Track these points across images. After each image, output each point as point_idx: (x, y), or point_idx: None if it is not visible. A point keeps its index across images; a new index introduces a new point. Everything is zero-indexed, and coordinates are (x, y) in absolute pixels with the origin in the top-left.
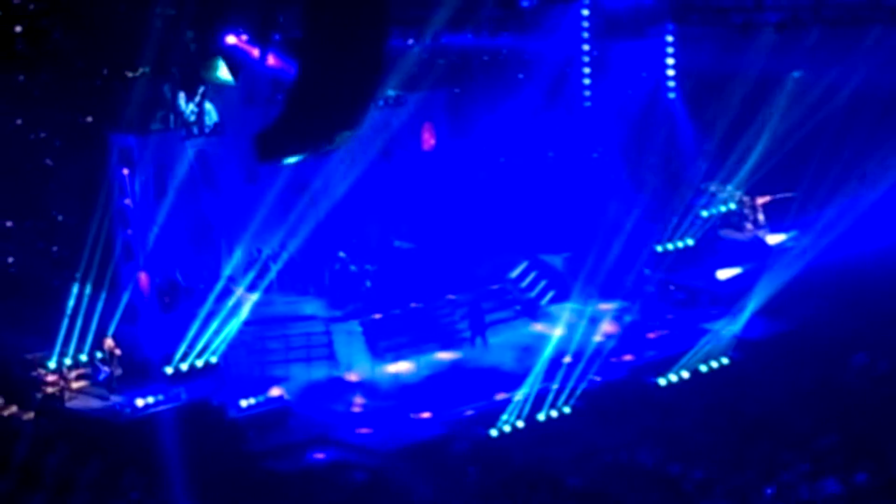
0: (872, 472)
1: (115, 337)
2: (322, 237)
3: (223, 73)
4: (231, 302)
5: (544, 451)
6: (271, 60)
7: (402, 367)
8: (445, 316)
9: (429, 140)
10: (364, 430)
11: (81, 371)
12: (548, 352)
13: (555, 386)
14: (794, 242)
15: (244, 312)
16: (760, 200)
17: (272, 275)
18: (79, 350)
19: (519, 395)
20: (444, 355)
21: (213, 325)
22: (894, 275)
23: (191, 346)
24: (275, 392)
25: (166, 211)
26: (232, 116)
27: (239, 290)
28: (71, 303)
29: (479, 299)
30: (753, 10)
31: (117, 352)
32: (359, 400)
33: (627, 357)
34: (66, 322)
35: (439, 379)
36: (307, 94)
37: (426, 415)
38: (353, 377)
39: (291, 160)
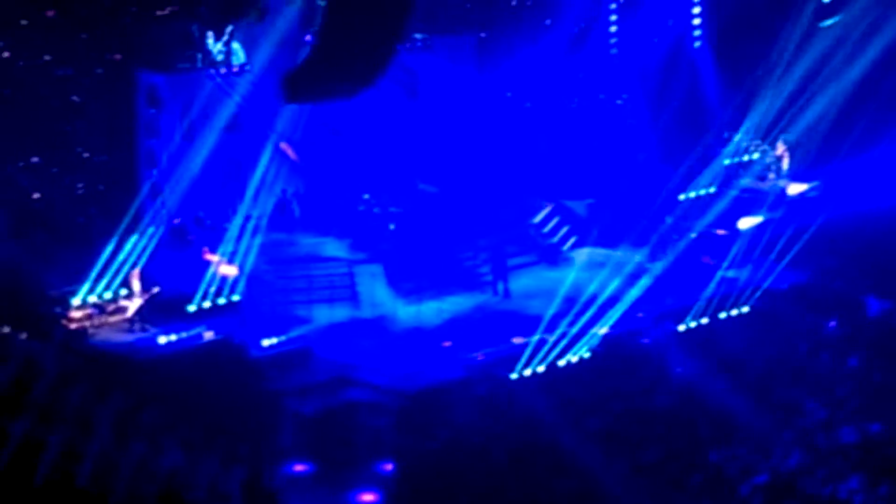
0: (888, 422)
1: (141, 273)
2: (347, 179)
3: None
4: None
5: (564, 395)
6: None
7: (424, 310)
8: (468, 259)
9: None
10: (385, 372)
11: (106, 307)
12: (568, 297)
13: (575, 331)
14: (815, 192)
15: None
16: (782, 149)
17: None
18: (105, 287)
19: (539, 340)
20: (467, 299)
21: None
22: None
23: (212, 284)
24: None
25: (192, 149)
26: (260, 57)
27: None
28: (97, 239)
29: (502, 243)
30: None
31: (141, 287)
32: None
33: (647, 303)
34: (91, 258)
35: (461, 322)
36: (333, 35)
37: (447, 355)
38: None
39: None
